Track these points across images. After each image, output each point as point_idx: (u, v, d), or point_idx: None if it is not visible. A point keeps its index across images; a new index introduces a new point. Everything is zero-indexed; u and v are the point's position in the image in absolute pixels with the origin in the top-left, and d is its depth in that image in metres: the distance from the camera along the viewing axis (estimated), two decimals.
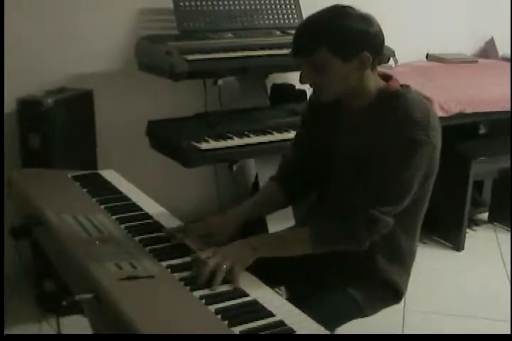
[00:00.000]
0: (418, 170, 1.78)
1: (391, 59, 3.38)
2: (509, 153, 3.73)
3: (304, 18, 1.86)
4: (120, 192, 2.22)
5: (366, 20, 1.77)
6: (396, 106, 1.80)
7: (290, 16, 3.35)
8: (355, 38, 1.75)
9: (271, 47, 3.03)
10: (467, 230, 3.82)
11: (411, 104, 1.80)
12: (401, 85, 1.90)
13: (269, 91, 3.41)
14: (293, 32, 1.83)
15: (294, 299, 1.68)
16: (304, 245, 1.81)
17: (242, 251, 1.75)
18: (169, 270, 1.64)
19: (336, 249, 1.83)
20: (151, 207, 2.09)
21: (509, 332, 2.82)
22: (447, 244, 3.83)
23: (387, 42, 3.20)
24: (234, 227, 1.94)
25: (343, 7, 1.79)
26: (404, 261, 2.00)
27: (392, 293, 2.00)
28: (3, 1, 2.87)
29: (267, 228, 3.11)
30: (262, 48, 3.04)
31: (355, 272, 1.93)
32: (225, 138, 2.84)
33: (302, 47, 1.79)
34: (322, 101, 1.91)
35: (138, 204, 2.12)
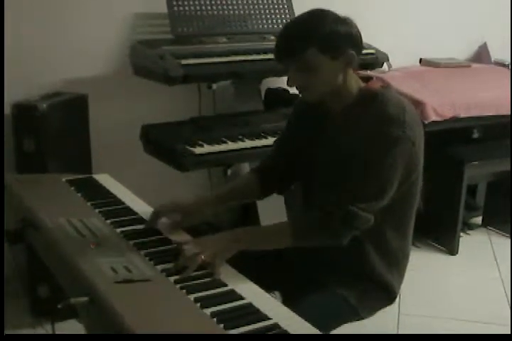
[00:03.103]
0: (396, 167, 1.79)
1: (385, 64, 3.39)
2: (503, 157, 3.75)
3: None
4: (114, 196, 2.22)
5: (345, 21, 1.82)
6: (374, 106, 1.84)
7: (284, 21, 3.36)
8: (340, 38, 1.79)
9: (265, 51, 3.03)
10: (461, 234, 3.83)
11: (386, 102, 1.84)
12: (381, 86, 1.92)
13: (263, 95, 3.42)
14: None
15: (288, 302, 1.68)
16: (285, 238, 1.83)
17: (223, 243, 1.77)
18: (164, 273, 1.64)
19: (316, 244, 1.86)
20: (145, 211, 2.09)
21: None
22: (441, 247, 3.84)
23: (381, 47, 3.25)
24: (206, 211, 1.99)
25: (322, 10, 1.84)
26: (396, 261, 2.01)
27: (385, 294, 2.02)
28: (3, 2, 2.88)
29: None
30: (256, 53, 3.05)
31: (347, 273, 1.94)
32: (220, 142, 2.85)
33: (290, 48, 1.82)
34: (309, 102, 1.94)
35: (132, 208, 2.12)
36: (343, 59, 1.81)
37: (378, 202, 1.81)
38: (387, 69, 3.63)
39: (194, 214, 1.99)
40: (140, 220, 2.01)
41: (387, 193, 1.81)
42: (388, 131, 1.78)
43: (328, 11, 1.83)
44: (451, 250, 3.78)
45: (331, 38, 1.78)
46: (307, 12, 1.85)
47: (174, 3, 3.13)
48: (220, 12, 3.23)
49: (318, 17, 1.81)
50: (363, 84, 1.92)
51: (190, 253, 1.69)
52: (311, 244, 1.87)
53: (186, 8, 3.16)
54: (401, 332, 2.94)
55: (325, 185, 1.96)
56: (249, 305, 1.51)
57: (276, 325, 1.42)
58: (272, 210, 2.96)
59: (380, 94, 1.87)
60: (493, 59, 4.36)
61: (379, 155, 1.78)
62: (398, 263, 2.03)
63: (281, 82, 3.51)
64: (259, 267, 1.83)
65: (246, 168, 3.27)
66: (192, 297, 1.52)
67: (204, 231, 1.93)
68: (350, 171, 1.81)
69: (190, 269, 1.65)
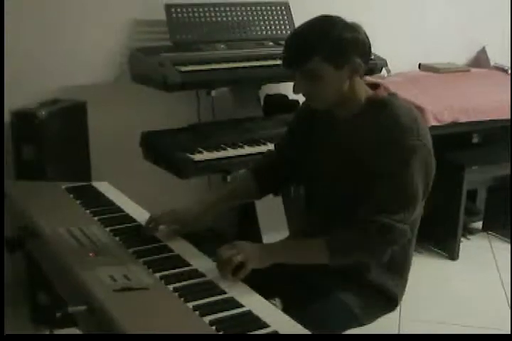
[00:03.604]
0: (419, 175, 1.80)
1: (383, 69, 3.39)
2: (502, 162, 3.74)
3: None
4: (114, 204, 2.21)
5: (353, 28, 1.81)
6: (384, 114, 1.83)
7: (282, 27, 3.36)
8: (346, 46, 1.78)
9: (264, 58, 3.04)
10: (461, 239, 3.82)
11: (398, 111, 1.83)
12: (389, 93, 1.91)
13: (262, 101, 3.42)
14: None
15: (289, 309, 1.68)
16: (322, 256, 1.82)
17: (261, 252, 1.79)
18: (163, 281, 1.64)
19: (355, 261, 1.86)
20: (144, 218, 2.08)
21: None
22: (442, 253, 3.83)
23: (380, 53, 3.25)
24: (205, 216, 1.99)
25: (330, 17, 1.82)
26: (399, 268, 2.01)
27: (387, 301, 2.01)
28: (3, 6, 2.88)
29: (260, 233, 3.13)
30: (255, 59, 3.06)
31: (349, 279, 1.94)
32: (219, 149, 2.85)
33: (295, 58, 1.81)
34: (315, 109, 1.93)
35: (132, 215, 2.11)
36: (349, 68, 1.80)
37: (411, 212, 1.81)
38: (385, 74, 3.64)
39: (193, 222, 1.98)
40: (139, 228, 2.01)
41: (417, 202, 1.82)
42: (404, 140, 1.77)
43: (337, 17, 1.81)
44: (452, 255, 3.77)
45: (337, 47, 1.77)
46: (315, 19, 1.83)
47: (173, 10, 3.13)
48: (219, 19, 3.23)
49: (326, 25, 1.79)
50: (370, 92, 1.91)
51: (226, 255, 1.71)
52: (350, 261, 1.86)
53: (185, 15, 3.16)
54: None
55: (329, 190, 1.96)
56: (249, 313, 1.51)
57: (275, 333, 1.42)
58: (271, 213, 2.96)
59: (389, 101, 1.87)
60: (492, 63, 4.36)
61: (401, 165, 1.78)
62: (401, 270, 2.03)
63: (281, 88, 3.51)
64: (260, 273, 1.82)
65: None
66: (191, 305, 1.52)
67: (204, 237, 1.94)
68: (376, 183, 1.79)
69: (227, 270, 1.68)
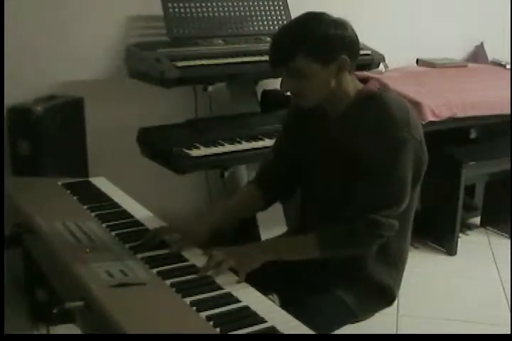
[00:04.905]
0: (408, 168, 1.80)
1: (381, 64, 3.38)
2: (500, 157, 3.74)
3: None
4: (111, 200, 2.21)
5: (340, 24, 1.80)
6: (375, 107, 1.83)
7: (280, 22, 3.35)
8: (332, 43, 1.77)
9: (261, 53, 3.02)
10: (459, 234, 3.82)
11: (390, 104, 1.82)
12: (380, 86, 1.91)
13: (259, 97, 3.41)
14: None
15: (285, 305, 1.68)
16: (312, 251, 1.83)
17: (251, 253, 1.79)
18: (160, 277, 1.63)
19: (344, 255, 1.87)
20: (142, 214, 2.09)
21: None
22: (440, 248, 3.83)
23: (378, 48, 3.24)
24: (209, 232, 1.95)
25: (316, 13, 1.81)
26: (395, 262, 2.01)
27: (384, 296, 2.01)
28: (3, 3, 2.86)
29: (259, 232, 3.12)
30: (252, 54, 3.04)
31: (345, 275, 1.94)
32: (216, 144, 2.85)
33: (280, 56, 1.80)
34: (303, 107, 1.92)
35: (129, 211, 2.11)
36: (336, 65, 1.79)
37: (399, 206, 1.82)
38: (383, 69, 3.63)
39: (199, 237, 1.93)
40: (136, 223, 2.01)
41: (405, 196, 1.82)
42: (396, 134, 1.77)
43: (323, 14, 1.80)
44: (450, 251, 3.77)
45: (322, 44, 1.76)
46: (300, 17, 1.82)
47: (170, 5, 3.12)
48: (216, 14, 3.22)
49: (310, 23, 1.78)
50: (360, 86, 1.90)
51: (218, 258, 1.70)
52: (339, 255, 1.87)
53: (182, 10, 3.15)
54: (400, 333, 2.93)
55: (325, 187, 1.95)
56: (246, 308, 1.51)
57: (272, 328, 1.41)
58: (270, 210, 2.95)
59: (380, 95, 1.86)
60: (490, 59, 4.35)
61: (390, 159, 1.78)
62: (396, 264, 2.03)
63: (278, 83, 3.49)
64: (257, 269, 1.82)
65: (243, 170, 3.26)
66: (188, 300, 1.52)
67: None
68: (365, 177, 1.80)
69: (218, 273, 1.67)
